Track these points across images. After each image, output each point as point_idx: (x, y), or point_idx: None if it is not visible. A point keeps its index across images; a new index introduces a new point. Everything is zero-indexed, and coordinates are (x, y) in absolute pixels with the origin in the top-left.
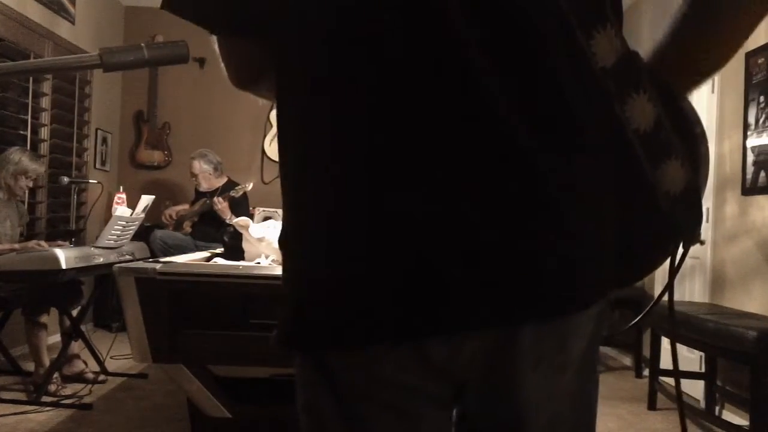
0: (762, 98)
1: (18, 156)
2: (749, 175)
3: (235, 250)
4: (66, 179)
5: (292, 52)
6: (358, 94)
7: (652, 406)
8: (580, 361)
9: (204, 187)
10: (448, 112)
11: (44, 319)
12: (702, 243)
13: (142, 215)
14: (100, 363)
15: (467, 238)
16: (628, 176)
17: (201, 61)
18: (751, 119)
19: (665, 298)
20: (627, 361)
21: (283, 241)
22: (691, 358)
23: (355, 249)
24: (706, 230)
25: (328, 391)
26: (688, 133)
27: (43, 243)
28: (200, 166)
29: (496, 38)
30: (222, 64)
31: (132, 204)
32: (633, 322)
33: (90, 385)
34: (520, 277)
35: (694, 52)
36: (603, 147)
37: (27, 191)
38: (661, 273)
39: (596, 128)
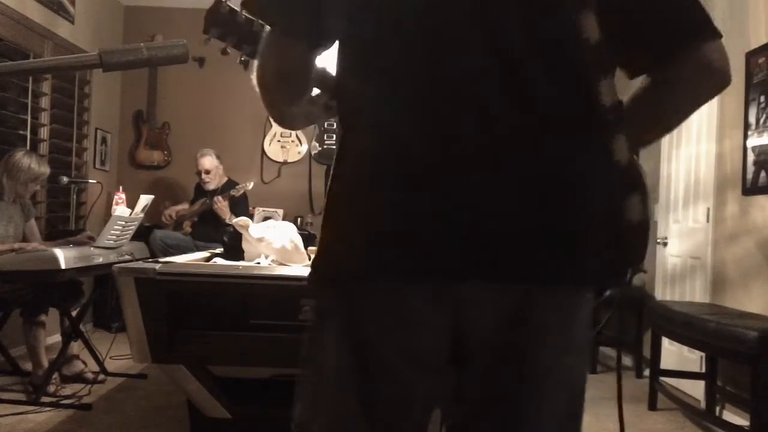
0: (762, 98)
1: (27, 162)
2: (750, 175)
3: (235, 250)
4: (65, 179)
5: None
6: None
7: (652, 406)
8: (577, 341)
9: (213, 184)
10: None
11: (43, 319)
12: (645, 272)
13: (142, 215)
14: (100, 363)
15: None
16: (608, 197)
17: (200, 61)
18: (752, 119)
19: (665, 297)
20: (627, 361)
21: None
22: (691, 359)
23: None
24: (706, 230)
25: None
26: (642, 178)
27: (39, 246)
28: (213, 161)
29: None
30: (263, 74)
31: (131, 204)
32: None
33: (89, 386)
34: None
35: (643, 117)
36: (598, 164)
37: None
38: (661, 274)
39: (597, 148)
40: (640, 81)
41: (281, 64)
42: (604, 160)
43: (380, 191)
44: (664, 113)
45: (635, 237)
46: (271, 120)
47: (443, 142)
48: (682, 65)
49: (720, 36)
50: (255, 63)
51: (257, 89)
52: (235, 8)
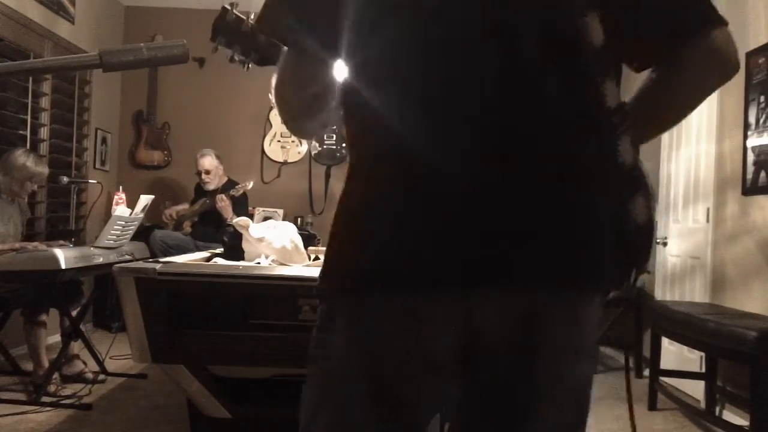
0: (762, 98)
1: (23, 161)
2: (750, 175)
3: (235, 250)
4: (65, 179)
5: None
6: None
7: (652, 406)
8: (585, 345)
9: (213, 185)
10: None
11: (43, 318)
12: (649, 273)
13: (142, 215)
14: (100, 363)
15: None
16: (614, 199)
17: (200, 61)
18: (752, 119)
19: (665, 297)
20: None
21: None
22: (691, 359)
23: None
24: (706, 230)
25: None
26: (645, 179)
27: (40, 245)
28: (213, 161)
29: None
30: (282, 97)
31: (131, 204)
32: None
33: (89, 386)
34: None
35: (650, 109)
36: (605, 165)
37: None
38: (661, 274)
39: (604, 150)
40: (645, 75)
41: (303, 83)
42: (609, 161)
43: (393, 200)
44: (672, 102)
45: (640, 238)
46: (272, 120)
47: (454, 149)
48: (692, 52)
49: (726, 23)
50: (272, 80)
51: (276, 106)
52: (242, 16)
